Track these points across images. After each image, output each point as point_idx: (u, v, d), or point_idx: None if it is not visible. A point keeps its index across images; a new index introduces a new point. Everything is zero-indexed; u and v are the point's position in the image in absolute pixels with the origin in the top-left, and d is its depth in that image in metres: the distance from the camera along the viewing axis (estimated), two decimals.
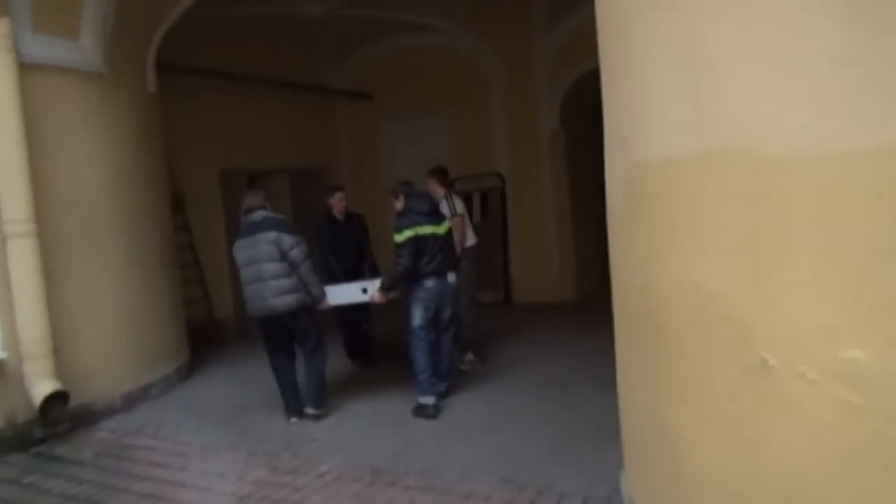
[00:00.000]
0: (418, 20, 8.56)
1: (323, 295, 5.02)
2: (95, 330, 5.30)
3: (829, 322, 1.85)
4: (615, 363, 3.10)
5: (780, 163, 1.91)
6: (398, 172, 8.00)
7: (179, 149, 7.28)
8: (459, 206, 5.98)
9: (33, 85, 4.85)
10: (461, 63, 9.05)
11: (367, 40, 9.34)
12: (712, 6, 2.10)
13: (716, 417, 2.23)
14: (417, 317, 4.97)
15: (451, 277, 5.09)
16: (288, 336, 4.98)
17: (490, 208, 9.20)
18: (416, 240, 4.88)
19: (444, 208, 5.64)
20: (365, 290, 5.18)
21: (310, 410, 4.99)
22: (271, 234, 4.77)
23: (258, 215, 4.95)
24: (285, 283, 4.75)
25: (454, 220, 5.59)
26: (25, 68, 4.78)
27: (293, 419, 4.95)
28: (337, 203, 6.19)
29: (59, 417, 4.87)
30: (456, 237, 5.46)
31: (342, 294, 5.26)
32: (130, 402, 5.51)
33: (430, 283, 4.96)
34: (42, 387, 4.69)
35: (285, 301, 4.76)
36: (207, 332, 7.55)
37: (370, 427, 4.74)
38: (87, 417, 5.14)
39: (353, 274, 5.86)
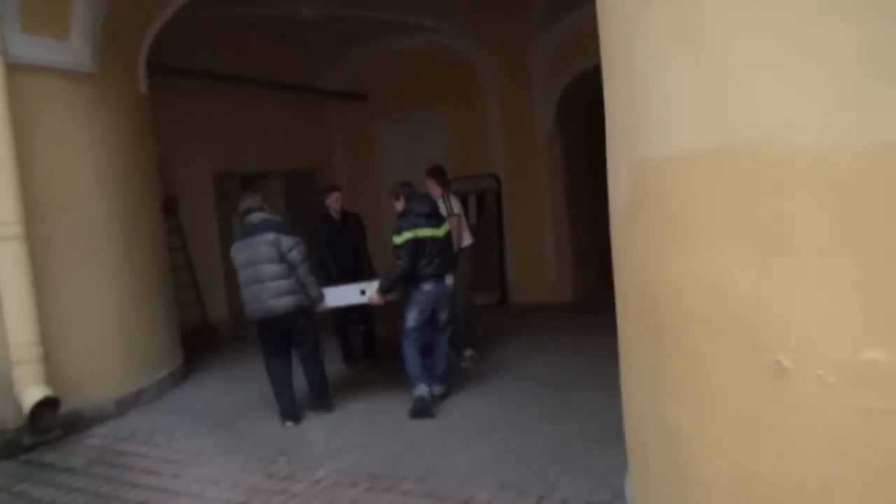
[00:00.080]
0: (414, 20, 8.49)
1: (321, 297, 4.99)
2: (87, 334, 5.22)
3: (847, 322, 1.79)
4: (616, 364, 3.05)
5: (793, 159, 1.86)
6: (393, 174, 7.97)
7: (172, 150, 7.20)
8: (456, 206, 5.97)
9: (21, 86, 4.77)
10: (456, 63, 8.98)
11: (361, 41, 9.27)
12: (720, 0, 2.04)
13: (726, 422, 2.17)
14: (412, 318, 4.97)
15: (449, 280, 5.09)
16: (286, 338, 4.95)
17: (486, 209, 9.14)
18: (415, 242, 4.86)
19: (441, 208, 5.59)
20: (363, 292, 5.15)
21: (318, 412, 5.00)
22: (270, 236, 4.75)
23: (257, 217, 4.93)
24: (284, 284, 4.74)
25: (451, 220, 5.55)
26: (13, 69, 4.72)
27: (288, 423, 4.89)
28: (334, 203, 6.21)
29: (50, 424, 4.79)
30: (452, 237, 5.41)
31: (340, 296, 5.23)
32: (123, 407, 5.42)
33: (427, 286, 4.94)
34: (32, 393, 4.62)
35: (284, 303, 4.74)
36: (201, 335, 7.47)
37: (367, 430, 4.69)
38: (78, 423, 5.05)
39: (350, 274, 5.81)
